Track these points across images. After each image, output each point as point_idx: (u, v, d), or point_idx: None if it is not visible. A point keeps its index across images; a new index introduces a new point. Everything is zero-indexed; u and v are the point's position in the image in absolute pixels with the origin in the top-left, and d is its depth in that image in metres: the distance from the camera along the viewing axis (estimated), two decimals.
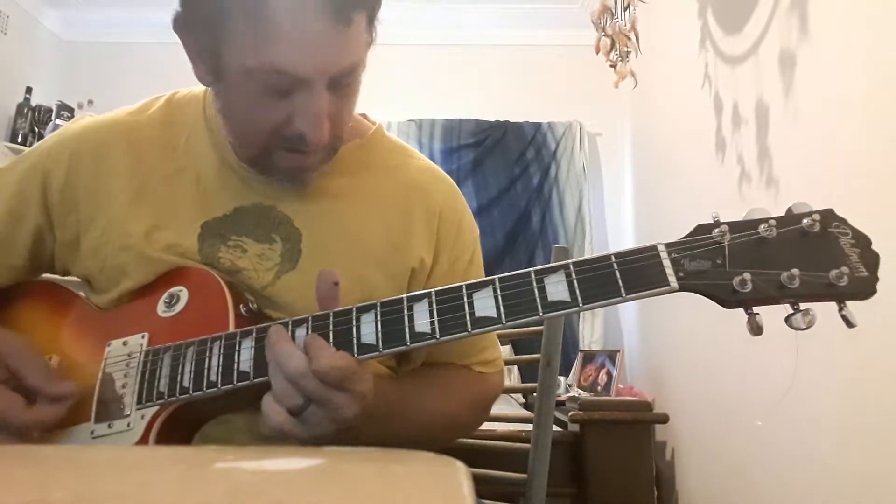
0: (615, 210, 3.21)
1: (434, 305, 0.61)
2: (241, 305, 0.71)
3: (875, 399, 1.17)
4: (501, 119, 3.29)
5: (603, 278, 0.59)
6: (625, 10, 2.10)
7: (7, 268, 0.82)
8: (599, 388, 2.56)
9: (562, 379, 2.65)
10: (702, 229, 0.60)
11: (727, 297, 0.57)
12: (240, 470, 0.37)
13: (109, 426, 0.67)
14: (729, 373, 1.79)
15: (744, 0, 1.70)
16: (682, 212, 2.24)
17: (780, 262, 0.57)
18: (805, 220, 0.57)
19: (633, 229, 2.99)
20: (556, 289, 0.59)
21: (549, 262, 1.12)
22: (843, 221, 0.58)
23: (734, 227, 0.59)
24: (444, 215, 0.82)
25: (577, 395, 2.36)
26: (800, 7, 1.44)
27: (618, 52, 2.16)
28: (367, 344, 0.61)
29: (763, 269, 0.57)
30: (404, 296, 0.62)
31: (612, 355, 2.65)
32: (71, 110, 3.39)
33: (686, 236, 0.60)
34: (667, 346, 2.40)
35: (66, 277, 0.85)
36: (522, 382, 2.62)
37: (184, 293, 0.73)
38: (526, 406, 2.54)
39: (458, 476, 0.32)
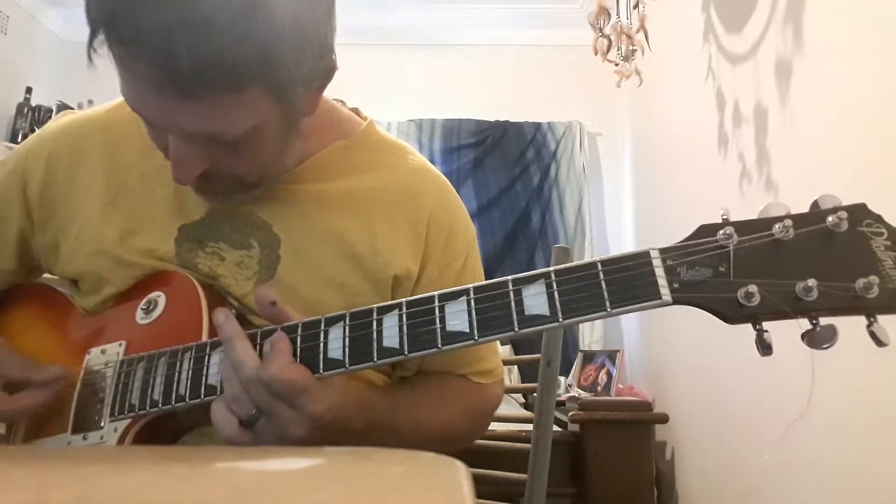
0: (615, 210, 3.21)
1: (404, 319, 0.56)
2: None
3: (880, 405, 1.17)
4: (501, 119, 3.29)
5: (586, 289, 0.52)
6: (634, 7, 2.10)
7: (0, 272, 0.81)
8: (599, 388, 2.56)
9: (562, 379, 2.65)
10: (704, 231, 0.52)
11: (731, 313, 0.50)
12: (240, 470, 0.37)
13: (84, 437, 0.65)
14: (730, 373, 1.79)
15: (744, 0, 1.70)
16: (683, 211, 2.24)
17: (797, 270, 0.49)
18: (830, 218, 0.49)
19: (633, 229, 2.99)
20: (535, 301, 0.53)
21: (549, 262, 1.13)
22: (878, 219, 0.50)
23: (743, 227, 0.51)
24: (434, 221, 0.77)
25: (577, 395, 2.37)
26: (795, 11, 1.44)
27: (620, 52, 2.16)
28: (333, 359, 0.57)
29: (775, 278, 0.49)
30: (374, 306, 0.58)
31: (612, 355, 2.65)
32: (71, 110, 3.39)
33: (686, 239, 0.52)
34: (667, 346, 2.40)
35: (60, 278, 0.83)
36: (522, 382, 2.62)
37: (161, 299, 0.70)
38: (526, 406, 2.55)
39: (458, 476, 0.32)
